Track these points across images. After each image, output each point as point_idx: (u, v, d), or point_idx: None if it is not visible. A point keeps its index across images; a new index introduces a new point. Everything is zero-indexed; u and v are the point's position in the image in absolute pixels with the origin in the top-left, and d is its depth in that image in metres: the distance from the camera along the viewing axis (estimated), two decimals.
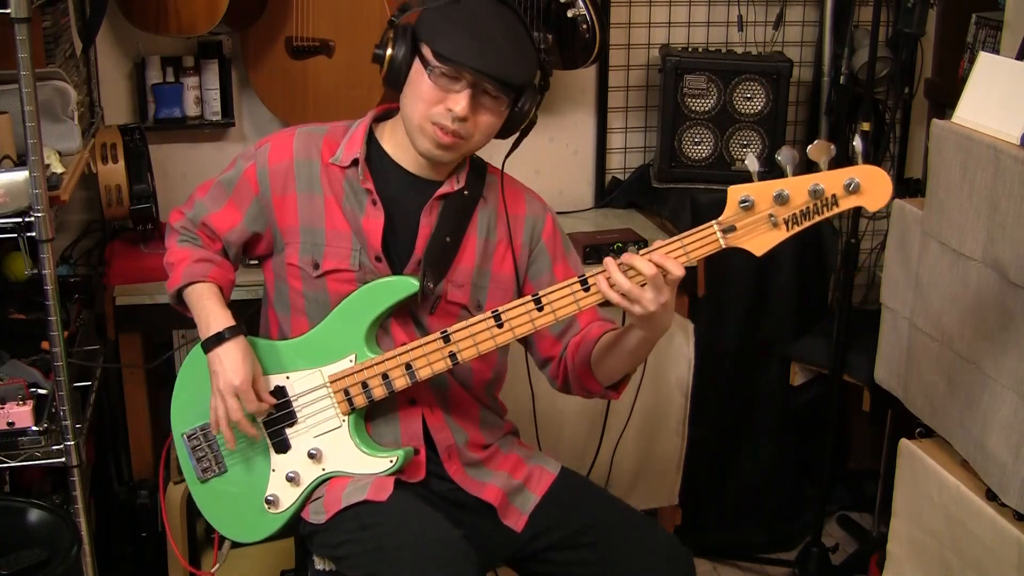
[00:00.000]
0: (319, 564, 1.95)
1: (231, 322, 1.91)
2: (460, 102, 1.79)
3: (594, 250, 2.75)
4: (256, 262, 2.07)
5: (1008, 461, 2.10)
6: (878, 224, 3.29)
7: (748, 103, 3.00)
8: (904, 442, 2.45)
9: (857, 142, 1.73)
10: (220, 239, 1.99)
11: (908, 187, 3.20)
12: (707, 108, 3.01)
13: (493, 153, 1.98)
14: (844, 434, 3.33)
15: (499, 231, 1.98)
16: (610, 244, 2.76)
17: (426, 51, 1.81)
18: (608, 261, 1.74)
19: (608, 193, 3.25)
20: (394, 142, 1.94)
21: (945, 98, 2.93)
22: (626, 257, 1.73)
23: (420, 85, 1.81)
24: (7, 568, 2.05)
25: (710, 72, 2.99)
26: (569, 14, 2.71)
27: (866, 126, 2.69)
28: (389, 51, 1.84)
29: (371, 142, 1.95)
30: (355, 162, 1.91)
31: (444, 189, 1.92)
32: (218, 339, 1.89)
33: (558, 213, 3.09)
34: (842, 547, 3.12)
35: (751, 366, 3.07)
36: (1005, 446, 2.11)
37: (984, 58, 2.24)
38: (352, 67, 2.68)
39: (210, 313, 1.92)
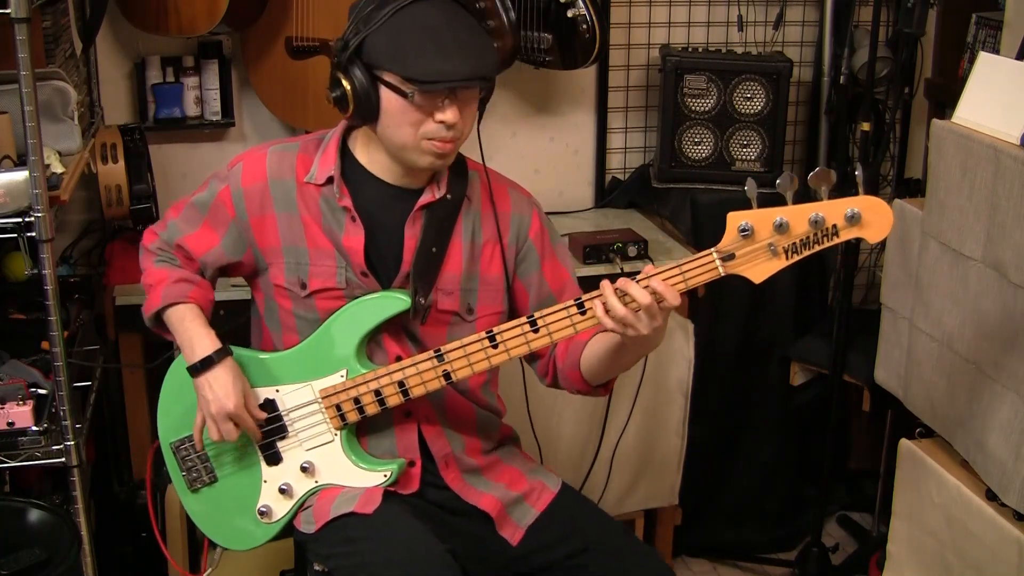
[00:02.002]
0: (318, 566, 1.95)
1: (217, 344, 1.87)
2: (448, 112, 1.74)
3: (594, 250, 2.75)
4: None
5: (1008, 461, 2.10)
6: None
7: (748, 103, 3.00)
8: (904, 442, 2.45)
9: (859, 171, 1.69)
10: (196, 261, 1.94)
11: (908, 187, 3.20)
12: (707, 108, 3.01)
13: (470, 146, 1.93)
14: (844, 434, 3.33)
15: (485, 231, 1.93)
16: (610, 244, 2.75)
17: (394, 79, 1.73)
18: (605, 285, 1.71)
19: (608, 193, 3.25)
20: (369, 154, 1.87)
21: (945, 98, 2.93)
22: (622, 283, 1.70)
23: (401, 112, 1.75)
24: (7, 568, 2.05)
25: (710, 72, 2.98)
26: (569, 14, 2.71)
27: (866, 126, 2.69)
28: (348, 88, 1.76)
29: (345, 155, 1.88)
30: (330, 179, 1.85)
31: (426, 198, 1.86)
32: (206, 364, 1.85)
33: (558, 213, 3.14)
34: (842, 547, 3.12)
35: (751, 366, 3.07)
36: (1005, 446, 2.11)
37: (984, 58, 2.24)
38: None
39: (194, 336, 1.88)
